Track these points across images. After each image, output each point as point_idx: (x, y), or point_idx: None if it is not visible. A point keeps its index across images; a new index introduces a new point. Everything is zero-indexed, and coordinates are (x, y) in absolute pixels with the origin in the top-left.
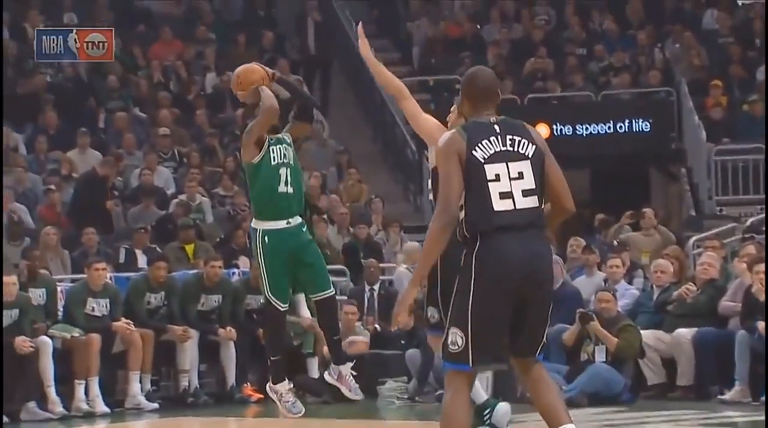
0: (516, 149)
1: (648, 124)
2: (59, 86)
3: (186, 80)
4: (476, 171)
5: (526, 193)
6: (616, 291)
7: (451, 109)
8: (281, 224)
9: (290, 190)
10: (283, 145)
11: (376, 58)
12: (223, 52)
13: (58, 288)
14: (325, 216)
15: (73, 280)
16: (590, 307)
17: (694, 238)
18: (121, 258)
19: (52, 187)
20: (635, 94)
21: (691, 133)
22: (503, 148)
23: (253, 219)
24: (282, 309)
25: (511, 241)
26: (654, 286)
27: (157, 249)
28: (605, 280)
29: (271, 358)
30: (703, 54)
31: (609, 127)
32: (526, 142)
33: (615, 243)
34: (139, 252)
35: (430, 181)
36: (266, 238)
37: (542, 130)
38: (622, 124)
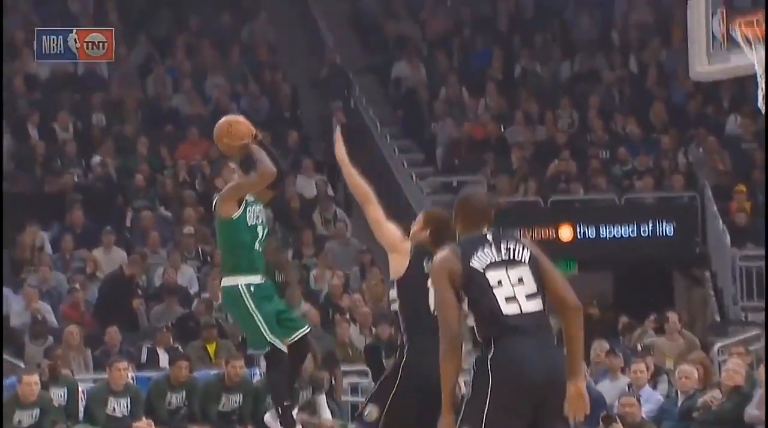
0: (512, 257)
1: (672, 227)
2: (87, 185)
3: (211, 179)
4: (478, 279)
5: (529, 297)
6: (641, 397)
7: (417, 218)
8: (257, 279)
9: (261, 249)
10: (259, 206)
11: (400, 159)
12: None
13: (80, 388)
14: (347, 316)
15: (94, 380)
16: (614, 412)
17: (719, 344)
18: (143, 358)
19: (77, 285)
20: (659, 198)
21: (715, 237)
22: (499, 257)
23: (227, 277)
24: (284, 352)
25: (524, 345)
26: (678, 392)
27: (179, 348)
28: (629, 385)
29: (284, 404)
30: (726, 159)
31: (632, 231)
32: (521, 249)
33: (639, 347)
34: (161, 351)
35: (394, 292)
36: (251, 288)
37: (566, 232)
38: (645, 228)
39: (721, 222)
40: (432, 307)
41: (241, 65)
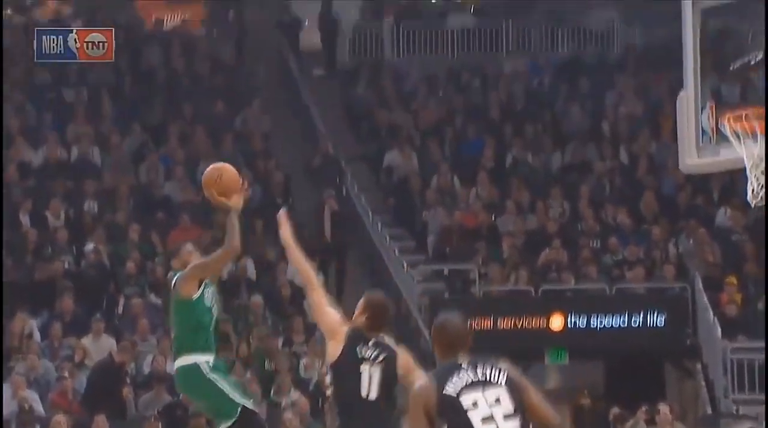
0: (488, 379)
1: (663, 318)
2: (78, 272)
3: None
4: (452, 405)
5: (507, 418)
6: None
7: (359, 303)
8: (210, 358)
9: (215, 330)
10: (213, 287)
11: (392, 246)
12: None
13: None
14: None
15: None
16: None
17: None
18: None
19: (65, 374)
20: (649, 288)
21: (706, 329)
22: (474, 380)
23: (184, 356)
24: (257, 411)
25: None
26: None
27: None
28: None
29: None
30: (716, 250)
31: (623, 321)
32: (497, 372)
33: None
34: None
35: (328, 378)
36: (208, 363)
37: (557, 321)
38: (636, 318)
39: (712, 313)
40: (364, 392)
41: (234, 153)
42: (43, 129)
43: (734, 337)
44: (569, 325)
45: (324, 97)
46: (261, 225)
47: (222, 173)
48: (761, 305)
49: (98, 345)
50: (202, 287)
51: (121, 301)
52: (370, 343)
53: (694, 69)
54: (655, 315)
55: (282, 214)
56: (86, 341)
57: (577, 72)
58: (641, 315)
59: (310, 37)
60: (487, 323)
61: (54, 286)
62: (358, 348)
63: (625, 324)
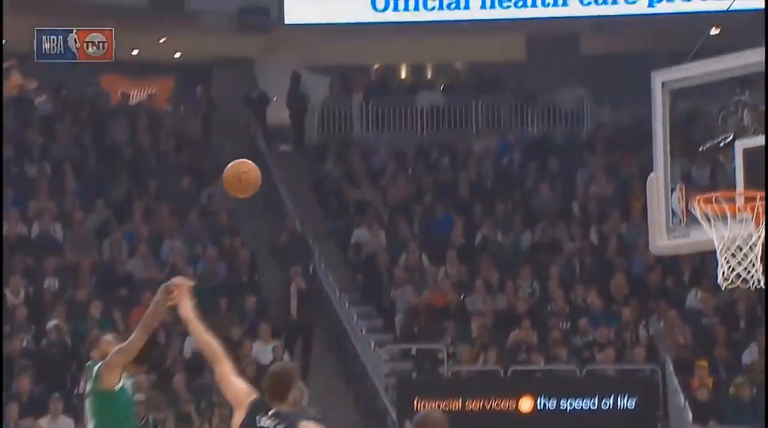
0: None
1: (633, 401)
2: (37, 350)
3: (164, 344)
4: None
5: None
6: None
7: None
8: None
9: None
10: (133, 379)
11: (359, 325)
12: (204, 316)
13: None
14: None
15: None
16: None
17: None
18: None
19: None
20: (620, 370)
21: (676, 413)
22: None
23: None
24: None
25: None
26: None
27: None
28: None
29: None
30: (687, 333)
31: (594, 403)
32: None
33: None
34: None
35: None
36: None
37: (526, 403)
38: (607, 401)
39: (683, 397)
40: None
41: (199, 230)
42: (5, 204)
43: (705, 422)
44: (539, 407)
45: (292, 173)
46: (225, 303)
47: (242, 175)
48: (733, 389)
49: (56, 427)
50: (123, 378)
51: (83, 381)
52: (270, 413)
53: (664, 150)
54: (626, 398)
55: (182, 289)
56: (43, 422)
57: (547, 151)
58: (612, 398)
59: (279, 113)
60: (456, 404)
61: (11, 365)
62: (257, 418)
63: (596, 407)
